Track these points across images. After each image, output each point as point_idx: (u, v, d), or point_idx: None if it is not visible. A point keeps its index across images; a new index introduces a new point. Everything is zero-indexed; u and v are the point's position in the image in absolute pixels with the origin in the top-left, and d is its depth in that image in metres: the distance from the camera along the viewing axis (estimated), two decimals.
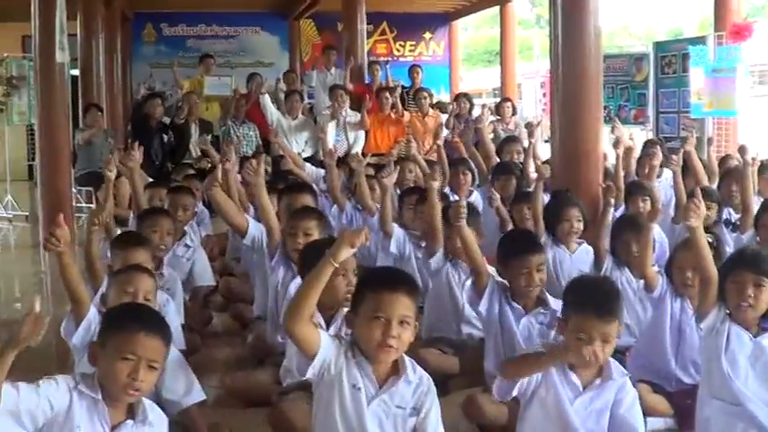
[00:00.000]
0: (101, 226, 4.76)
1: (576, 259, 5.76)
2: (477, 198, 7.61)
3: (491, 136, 10.30)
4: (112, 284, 4.24)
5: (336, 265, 3.16)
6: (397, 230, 6.16)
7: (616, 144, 7.55)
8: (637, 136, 10.90)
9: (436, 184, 5.61)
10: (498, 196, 6.78)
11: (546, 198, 6.75)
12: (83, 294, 3.98)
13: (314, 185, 7.41)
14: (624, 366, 4.23)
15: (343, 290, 4.15)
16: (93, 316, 3.97)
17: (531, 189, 6.77)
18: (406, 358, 3.36)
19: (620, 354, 5.00)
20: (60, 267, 3.81)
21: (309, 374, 3.27)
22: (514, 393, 3.59)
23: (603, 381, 3.57)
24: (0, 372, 2.86)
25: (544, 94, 20.59)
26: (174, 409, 3.44)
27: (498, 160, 8.70)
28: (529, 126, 9.57)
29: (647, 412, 4.31)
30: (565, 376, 3.57)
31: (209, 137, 9.73)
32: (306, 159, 10.31)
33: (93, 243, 4.71)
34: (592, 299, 3.53)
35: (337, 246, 3.17)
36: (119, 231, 5.85)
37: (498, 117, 12.17)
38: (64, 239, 3.71)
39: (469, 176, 7.95)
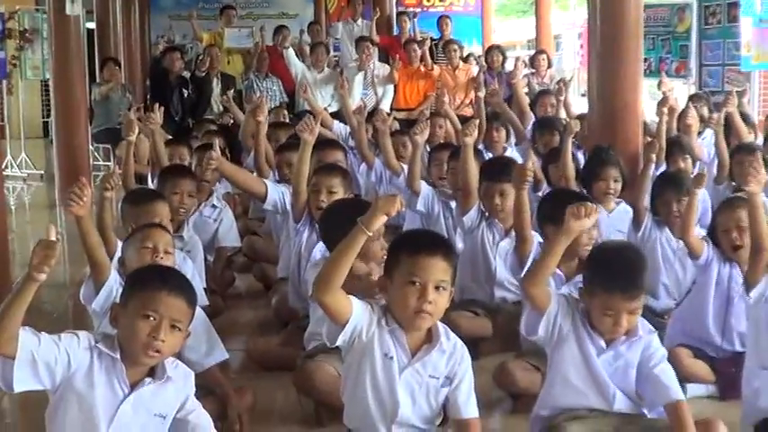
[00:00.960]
0: (114, 190, 4.68)
1: (614, 219, 5.75)
2: (510, 154, 7.58)
3: (525, 90, 10.23)
4: (129, 243, 4.26)
5: (370, 234, 3.15)
6: (425, 188, 6.16)
7: (662, 102, 7.45)
8: (678, 90, 10.80)
9: (471, 140, 5.61)
10: (535, 158, 6.67)
11: (581, 156, 6.73)
12: (103, 258, 3.97)
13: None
14: (664, 331, 4.24)
15: (378, 254, 4.11)
16: (114, 280, 3.96)
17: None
18: (440, 325, 3.35)
19: (659, 317, 5.03)
20: (80, 230, 3.77)
21: (339, 342, 3.27)
22: (541, 333, 3.59)
23: (629, 338, 3.57)
24: (18, 307, 2.87)
25: (581, 46, 20.42)
26: (196, 370, 3.47)
27: (533, 115, 8.67)
28: (560, 83, 9.48)
29: (688, 378, 4.33)
30: (588, 334, 3.58)
31: (232, 91, 9.73)
32: (332, 114, 10.30)
33: (105, 209, 4.64)
34: (617, 275, 3.51)
35: (371, 214, 3.14)
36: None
37: (533, 70, 12.09)
38: (86, 200, 3.65)
39: (503, 132, 7.93)
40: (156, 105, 6.72)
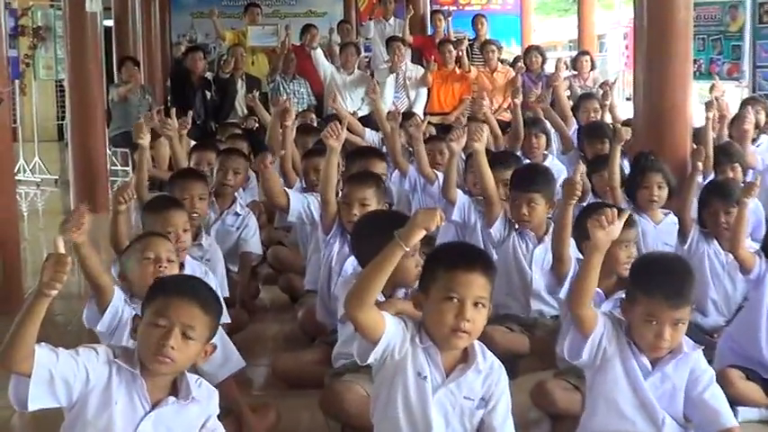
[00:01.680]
0: (129, 204, 4.78)
1: (661, 231, 5.74)
2: (551, 162, 7.57)
3: (566, 94, 10.22)
4: (129, 255, 4.25)
5: (407, 249, 3.16)
6: (461, 197, 6.16)
7: (709, 106, 7.41)
8: (731, 93, 10.76)
9: (480, 145, 5.61)
10: (584, 167, 6.63)
11: (625, 163, 6.71)
12: (105, 282, 3.99)
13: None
14: (713, 350, 4.22)
15: (413, 271, 4.06)
16: (119, 299, 3.98)
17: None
18: (477, 343, 3.35)
19: (708, 336, 5.01)
20: (79, 256, 3.81)
21: (371, 360, 3.28)
22: (585, 357, 3.59)
23: (673, 356, 3.56)
24: (30, 324, 2.90)
25: (627, 47, 20.34)
26: (211, 381, 3.48)
27: (575, 121, 8.65)
28: (603, 86, 9.45)
29: (739, 401, 4.30)
30: (633, 354, 3.57)
31: (257, 93, 9.75)
32: (362, 118, 10.32)
33: (119, 223, 4.71)
34: (661, 281, 3.52)
35: (410, 228, 3.14)
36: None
37: (575, 72, 12.07)
38: (85, 227, 3.73)
39: (543, 139, 7.90)
40: (173, 110, 6.74)
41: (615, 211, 3.53)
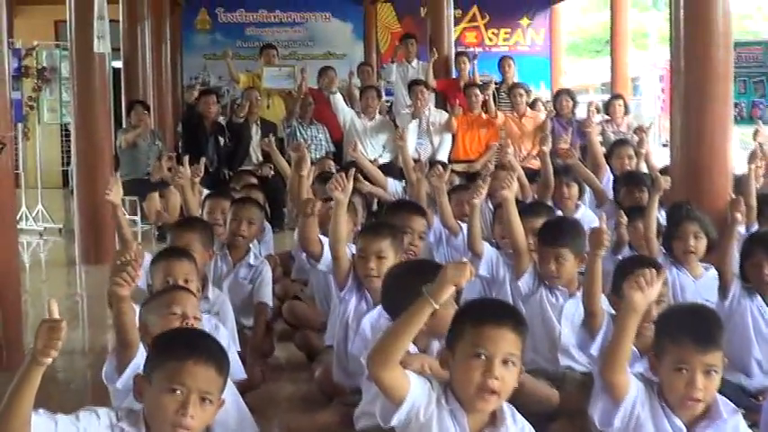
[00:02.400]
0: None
1: (701, 286, 5.70)
2: (583, 213, 7.54)
3: (599, 139, 10.19)
4: (152, 309, 4.20)
5: (437, 307, 3.16)
6: (489, 250, 6.14)
7: (753, 154, 7.36)
8: None
9: (510, 193, 5.59)
10: (626, 219, 6.61)
11: (661, 215, 6.69)
12: (135, 338, 3.85)
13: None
14: (758, 414, 4.17)
15: (445, 329, 4.06)
16: (141, 356, 3.78)
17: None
18: (506, 406, 3.35)
19: (753, 398, 4.96)
20: (118, 309, 3.73)
21: (395, 422, 3.28)
22: (617, 424, 3.57)
23: (711, 420, 3.53)
24: (25, 394, 2.87)
25: (663, 90, 20.34)
26: None
27: (608, 168, 8.62)
28: (638, 132, 9.41)
29: None
30: (667, 417, 3.55)
31: (273, 138, 9.76)
32: (384, 166, 10.32)
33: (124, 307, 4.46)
34: (687, 325, 3.53)
35: (439, 285, 3.16)
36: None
37: (608, 117, 12.06)
38: (137, 282, 3.68)
39: (575, 189, 7.87)
40: (186, 158, 6.76)
41: (654, 271, 3.51)
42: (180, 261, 4.94)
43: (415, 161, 9.78)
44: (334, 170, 9.54)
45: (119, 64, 13.48)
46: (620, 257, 6.08)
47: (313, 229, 5.62)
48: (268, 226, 7.76)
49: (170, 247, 5.38)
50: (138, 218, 11.61)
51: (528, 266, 5.46)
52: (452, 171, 8.02)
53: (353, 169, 5.57)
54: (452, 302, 3.87)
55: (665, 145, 12.31)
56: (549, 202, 7.55)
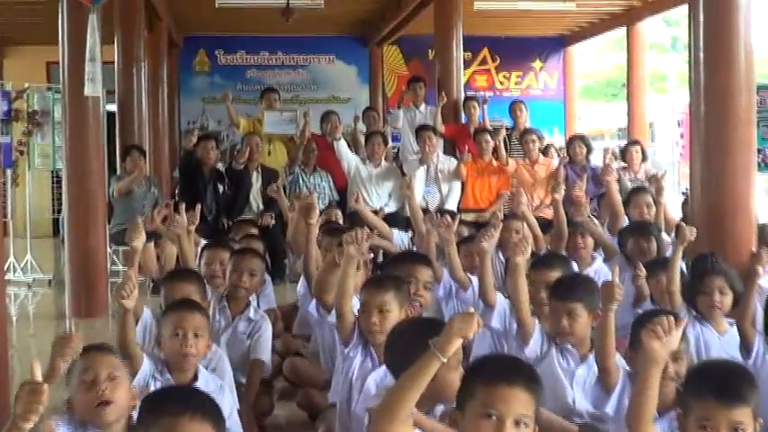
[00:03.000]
0: (130, 296, 4.69)
1: (727, 343, 5.66)
2: (599, 265, 7.52)
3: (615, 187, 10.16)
4: (163, 325, 4.69)
5: (445, 360, 3.14)
6: (501, 301, 6.11)
7: None
8: None
9: (522, 259, 5.54)
10: (644, 272, 6.56)
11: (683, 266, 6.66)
12: (137, 351, 4.37)
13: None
14: None
15: (455, 386, 4.02)
16: (146, 368, 4.40)
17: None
18: None
19: None
20: (122, 322, 4.28)
21: None
22: None
23: None
24: None
25: (682, 135, 20.39)
26: None
27: (627, 218, 8.60)
28: (653, 182, 9.38)
29: None
30: None
31: (280, 184, 9.73)
32: (389, 216, 10.31)
33: (127, 324, 4.68)
34: (711, 379, 3.51)
35: (446, 337, 3.15)
36: None
37: (624, 164, 12.05)
38: (136, 294, 4.05)
39: (590, 239, 7.86)
40: (182, 206, 6.74)
41: (672, 318, 3.50)
42: (192, 314, 4.94)
43: (424, 211, 9.78)
44: (341, 220, 9.54)
45: (113, 107, 13.51)
46: (639, 311, 6.04)
47: (334, 276, 5.55)
48: (268, 278, 7.72)
49: (182, 300, 5.34)
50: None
51: (533, 333, 5.41)
52: (461, 221, 7.97)
53: (369, 230, 5.48)
54: (458, 365, 3.88)
55: (684, 193, 12.30)
56: (564, 253, 7.54)
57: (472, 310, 3.26)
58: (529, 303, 5.50)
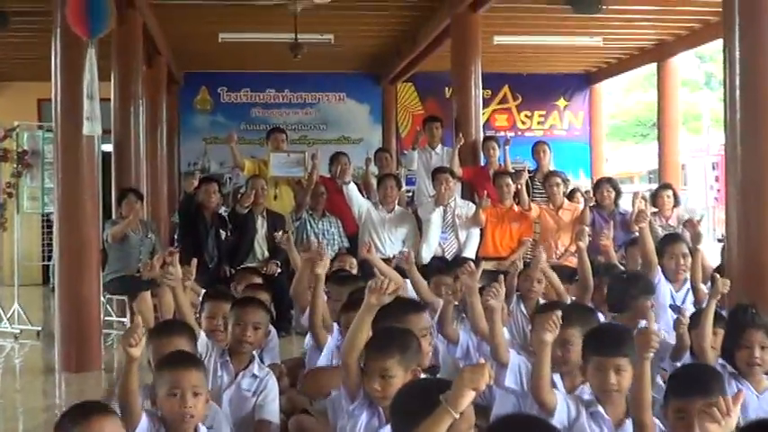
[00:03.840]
0: (139, 344, 4.70)
1: (766, 402, 5.62)
2: None
3: None
4: (158, 382, 4.58)
5: (457, 417, 3.12)
6: (515, 358, 6.06)
7: None
8: None
9: (550, 337, 5.46)
10: (687, 320, 6.50)
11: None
12: (137, 407, 4.36)
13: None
14: None
15: None
16: (144, 426, 4.33)
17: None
18: None
19: None
20: (127, 370, 4.27)
21: None
22: None
23: None
24: None
25: (717, 178, 20.40)
26: None
27: (660, 268, 8.55)
28: (689, 227, 9.31)
29: None
30: None
31: (281, 234, 9.66)
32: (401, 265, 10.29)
33: (131, 375, 4.65)
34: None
35: (456, 391, 3.13)
36: None
37: (655, 209, 12.03)
38: (141, 343, 4.12)
39: None
40: (176, 256, 6.70)
41: (729, 399, 3.46)
42: (188, 371, 4.88)
43: (440, 258, 9.72)
44: (355, 269, 9.50)
45: (109, 147, 13.50)
46: (677, 364, 6.01)
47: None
48: (273, 331, 7.70)
49: (176, 354, 5.29)
50: (126, 319, 11.57)
51: (556, 403, 5.34)
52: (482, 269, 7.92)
53: (392, 286, 5.37)
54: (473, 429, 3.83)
55: (720, 240, 12.26)
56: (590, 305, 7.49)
57: (483, 360, 3.23)
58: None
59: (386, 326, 5.36)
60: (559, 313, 5.33)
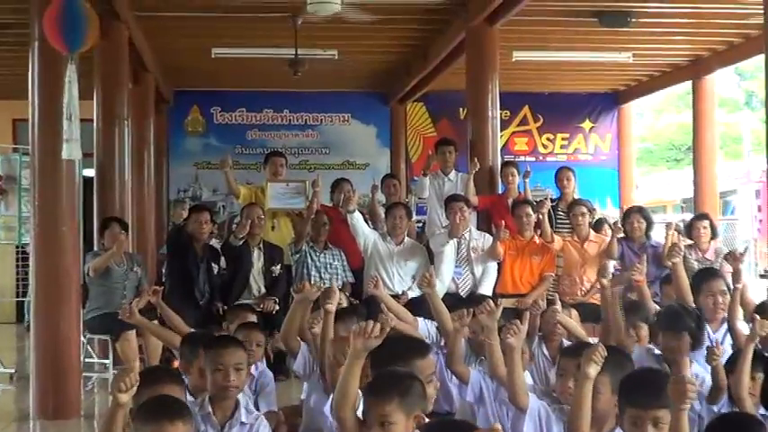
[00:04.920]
0: (130, 390, 4.70)
1: None
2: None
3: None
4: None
5: None
6: (535, 403, 6.06)
7: None
8: None
9: (516, 340, 5.45)
10: (721, 352, 6.46)
11: None
12: None
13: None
14: None
15: None
16: None
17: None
18: None
19: None
20: (111, 416, 4.36)
21: None
22: None
23: None
24: None
25: (760, 208, 20.41)
26: None
27: (695, 307, 8.51)
28: (731, 259, 9.26)
29: None
30: None
31: (279, 267, 9.62)
32: (413, 302, 10.27)
33: (116, 422, 4.69)
34: None
35: None
36: None
37: (690, 242, 12.01)
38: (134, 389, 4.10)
39: (646, 330, 7.79)
40: (158, 298, 6.66)
41: None
42: (173, 425, 4.79)
43: (453, 295, 9.71)
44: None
45: (91, 172, 13.54)
46: (715, 409, 6.00)
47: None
48: (270, 375, 7.69)
49: (160, 401, 5.24)
50: (109, 361, 11.53)
51: None
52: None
53: (388, 321, 5.33)
54: None
55: (763, 275, 12.28)
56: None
57: (499, 427, 3.21)
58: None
59: (385, 369, 5.35)
60: (602, 349, 5.35)
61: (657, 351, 7.12)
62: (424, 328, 8.49)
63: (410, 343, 6.29)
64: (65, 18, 9.17)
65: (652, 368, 6.69)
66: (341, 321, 7.44)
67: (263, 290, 11.94)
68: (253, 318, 9.39)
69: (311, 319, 7.01)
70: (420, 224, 14.05)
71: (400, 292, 11.26)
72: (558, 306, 8.21)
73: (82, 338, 10.92)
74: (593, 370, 5.31)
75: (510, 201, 13.07)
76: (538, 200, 12.76)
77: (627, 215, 12.55)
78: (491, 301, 6.70)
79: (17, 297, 16.78)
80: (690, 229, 12.25)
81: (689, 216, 14.89)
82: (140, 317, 6.99)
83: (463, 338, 7.20)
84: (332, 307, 6.60)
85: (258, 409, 6.64)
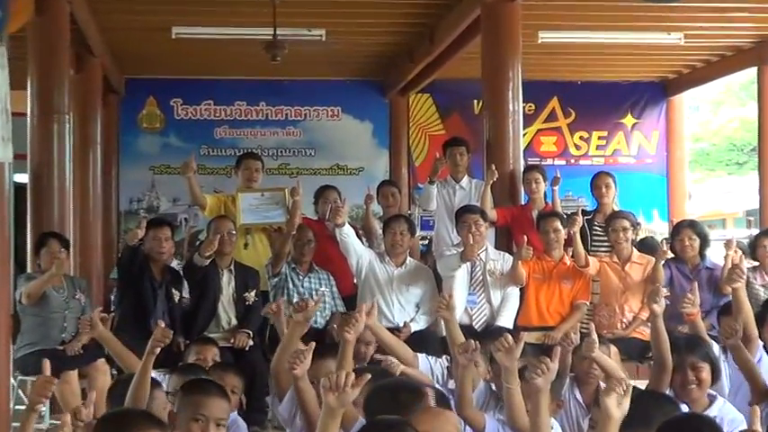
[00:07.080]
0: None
1: None
2: (722, 409, 7.42)
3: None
4: None
5: None
6: None
7: None
8: None
9: (543, 382, 5.49)
10: None
11: None
12: None
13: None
14: None
15: None
16: None
17: None
18: None
19: None
20: None
21: None
22: None
23: None
24: None
25: None
26: None
27: (761, 343, 8.53)
28: None
29: None
30: None
31: (253, 294, 9.52)
32: (416, 336, 10.31)
33: None
34: None
35: None
36: None
37: (754, 263, 12.01)
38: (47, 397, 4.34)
39: (705, 372, 7.77)
40: (95, 316, 6.66)
41: None
42: None
43: (465, 328, 9.74)
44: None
45: (24, 178, 13.52)
46: None
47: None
48: (243, 425, 7.71)
49: None
50: (45, 409, 11.53)
51: None
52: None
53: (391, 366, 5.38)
54: None
55: None
56: (668, 391, 7.49)
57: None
58: None
59: (375, 418, 5.37)
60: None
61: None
62: (426, 365, 8.50)
63: (403, 387, 6.37)
64: None
65: (699, 415, 6.65)
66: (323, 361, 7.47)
67: (234, 321, 11.84)
68: (215, 353, 9.23)
69: (292, 357, 6.94)
70: (425, 242, 14.07)
71: (401, 324, 11.22)
72: (595, 340, 8.16)
73: (11, 381, 10.92)
74: (617, 411, 5.33)
75: (535, 213, 13.03)
76: (569, 212, 12.73)
77: (677, 231, 12.52)
78: (509, 336, 6.63)
79: None
80: (754, 248, 12.24)
81: (754, 232, 14.90)
82: (105, 330, 6.95)
83: (482, 380, 7.23)
84: (351, 336, 6.58)
85: None
